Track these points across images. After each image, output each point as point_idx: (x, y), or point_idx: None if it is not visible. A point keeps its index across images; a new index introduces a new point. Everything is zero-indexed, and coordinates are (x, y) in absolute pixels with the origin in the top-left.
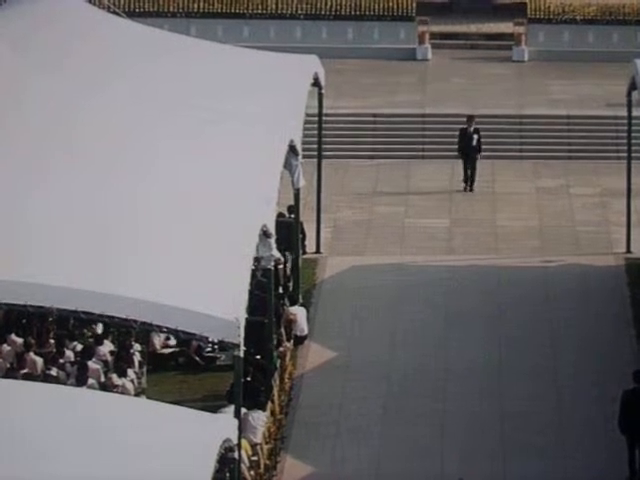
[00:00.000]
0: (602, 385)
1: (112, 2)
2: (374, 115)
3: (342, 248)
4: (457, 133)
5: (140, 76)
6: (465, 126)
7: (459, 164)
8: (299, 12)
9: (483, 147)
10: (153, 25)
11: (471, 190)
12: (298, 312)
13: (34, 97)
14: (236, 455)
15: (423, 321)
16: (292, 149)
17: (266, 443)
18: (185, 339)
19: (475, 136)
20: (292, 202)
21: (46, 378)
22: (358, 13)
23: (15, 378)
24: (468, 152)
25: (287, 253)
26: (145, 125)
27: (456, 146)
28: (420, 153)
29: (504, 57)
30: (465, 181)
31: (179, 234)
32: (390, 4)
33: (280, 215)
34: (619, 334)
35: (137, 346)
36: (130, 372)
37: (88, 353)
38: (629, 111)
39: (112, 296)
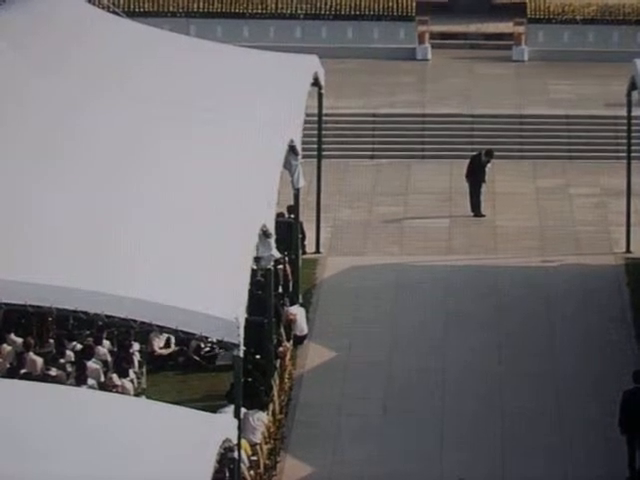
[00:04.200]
0: (602, 385)
1: (112, 2)
2: (374, 115)
3: (342, 248)
4: (468, 160)
5: (140, 76)
6: (478, 153)
7: (459, 164)
8: (299, 12)
9: (483, 148)
10: (153, 25)
11: (481, 215)
12: (298, 312)
13: (34, 97)
14: (236, 455)
15: (423, 321)
16: (292, 149)
17: (266, 443)
18: (185, 339)
19: (488, 165)
20: (292, 202)
21: (46, 378)
22: (358, 13)
23: (15, 378)
24: (477, 179)
25: (287, 253)
26: (145, 124)
27: (456, 146)
28: (420, 153)
29: (504, 57)
30: (473, 208)
31: (179, 234)
32: (390, 4)
33: (280, 215)
34: (619, 334)
35: (137, 346)
36: (130, 372)
37: (87, 353)
38: (629, 111)
39: (112, 296)
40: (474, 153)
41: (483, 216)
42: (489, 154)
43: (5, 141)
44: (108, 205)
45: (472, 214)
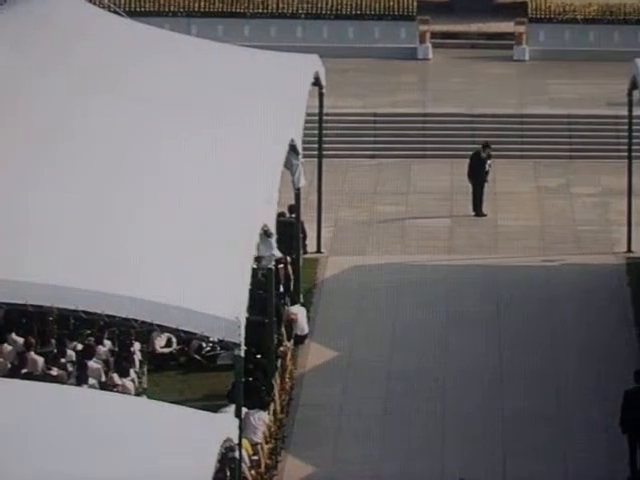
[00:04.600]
0: (603, 385)
1: (112, 1)
2: (375, 114)
3: (343, 248)
4: (469, 158)
5: (140, 76)
6: (477, 151)
7: (460, 163)
8: (300, 11)
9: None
10: (154, 24)
11: (482, 214)
12: (299, 311)
13: (34, 97)
14: (237, 454)
15: (424, 321)
16: (293, 148)
17: (267, 442)
18: (186, 339)
19: (488, 161)
20: (293, 201)
21: (47, 378)
22: (359, 12)
23: (16, 378)
24: (479, 178)
25: (288, 252)
26: (146, 124)
27: (457, 146)
28: (421, 152)
29: (505, 56)
30: (475, 207)
31: (180, 233)
32: (391, 3)
33: (281, 215)
34: (620, 334)
35: (138, 345)
36: (131, 372)
37: (88, 353)
38: (630, 110)
39: (113, 295)
40: (473, 152)
41: (484, 215)
42: (486, 147)
43: (5, 141)
44: (108, 205)
45: (473, 213)
